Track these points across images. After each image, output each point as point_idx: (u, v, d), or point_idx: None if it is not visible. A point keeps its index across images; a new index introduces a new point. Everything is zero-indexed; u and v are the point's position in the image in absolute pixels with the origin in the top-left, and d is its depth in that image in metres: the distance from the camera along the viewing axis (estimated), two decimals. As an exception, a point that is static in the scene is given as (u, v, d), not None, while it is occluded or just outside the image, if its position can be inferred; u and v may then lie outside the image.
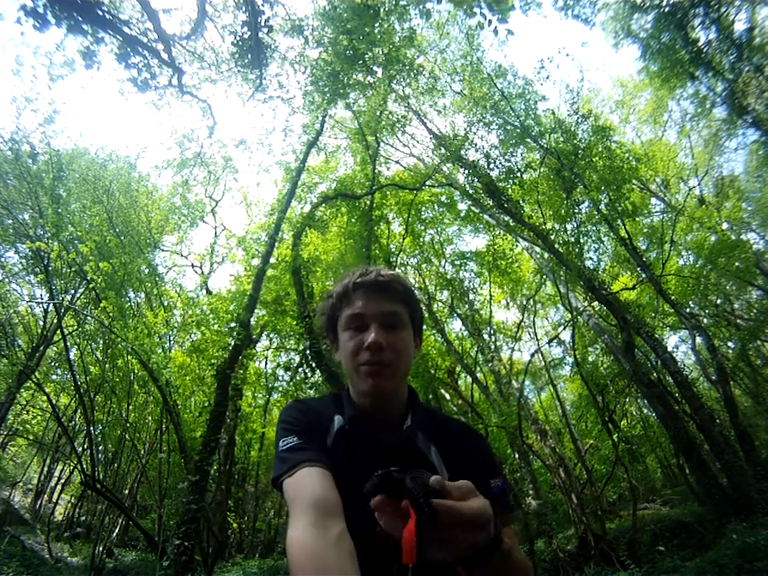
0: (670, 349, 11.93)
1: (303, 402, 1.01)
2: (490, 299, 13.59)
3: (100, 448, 12.07)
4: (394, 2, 6.76)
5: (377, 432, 0.93)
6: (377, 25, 6.90)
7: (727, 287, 14.12)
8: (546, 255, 11.59)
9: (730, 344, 15.39)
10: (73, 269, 9.50)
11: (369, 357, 0.87)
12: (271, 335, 13.28)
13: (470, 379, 13.87)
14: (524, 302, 15.67)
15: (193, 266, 15.41)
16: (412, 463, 0.89)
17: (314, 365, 8.92)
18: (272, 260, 10.13)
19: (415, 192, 11.43)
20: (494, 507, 0.89)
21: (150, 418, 11.30)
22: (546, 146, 10.41)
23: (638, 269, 11.58)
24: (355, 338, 0.90)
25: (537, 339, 16.08)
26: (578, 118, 10.72)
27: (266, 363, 14.45)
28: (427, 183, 11.81)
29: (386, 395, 0.91)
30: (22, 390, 12.63)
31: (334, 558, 0.63)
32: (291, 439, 0.86)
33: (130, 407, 11.16)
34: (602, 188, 10.11)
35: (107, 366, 11.38)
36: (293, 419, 0.93)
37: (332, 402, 0.99)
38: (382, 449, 0.90)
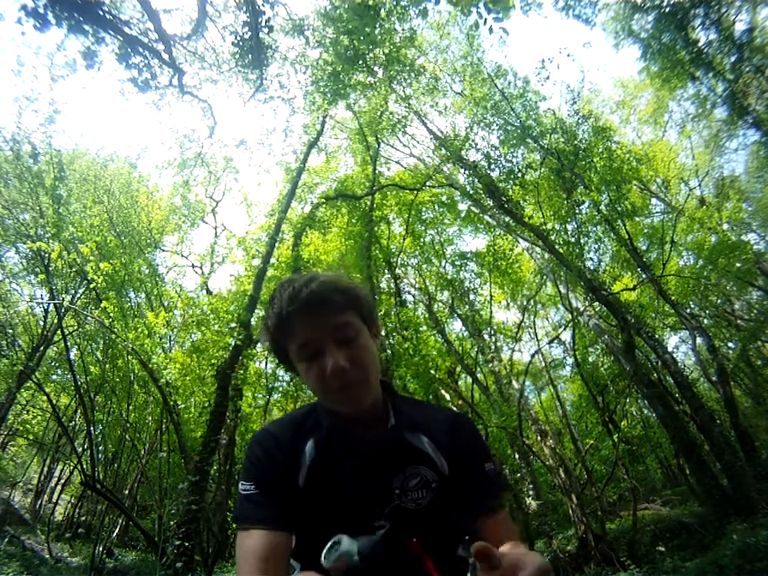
0: (670, 349, 11.95)
1: (272, 434, 0.93)
2: (491, 300, 13.58)
3: (100, 448, 12.07)
4: (394, 2, 6.77)
5: (360, 433, 0.90)
6: (377, 25, 6.91)
7: (728, 288, 14.11)
8: (546, 256, 11.59)
9: (730, 344, 15.39)
10: (73, 269, 9.51)
11: (337, 383, 0.82)
12: (271, 335, 13.26)
13: (470, 380, 13.86)
14: (524, 303, 15.66)
15: (193, 266, 15.40)
16: (404, 458, 0.90)
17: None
18: (272, 260, 10.14)
19: (415, 192, 11.43)
20: (488, 488, 0.91)
21: (150, 418, 11.29)
22: (546, 146, 10.41)
23: (639, 269, 11.57)
24: (313, 367, 0.83)
25: (537, 340, 16.09)
26: (578, 119, 10.73)
27: (266, 363, 14.43)
28: (427, 183, 11.82)
29: (367, 406, 0.88)
30: (22, 390, 12.63)
31: None
32: (249, 486, 0.85)
33: (130, 407, 11.17)
34: (603, 188, 10.11)
35: (107, 366, 11.39)
36: (256, 461, 0.89)
37: (308, 418, 0.95)
38: (371, 451, 0.89)
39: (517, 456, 11.78)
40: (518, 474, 11.76)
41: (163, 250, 15.40)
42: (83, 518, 15.55)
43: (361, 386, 0.84)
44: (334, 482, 0.87)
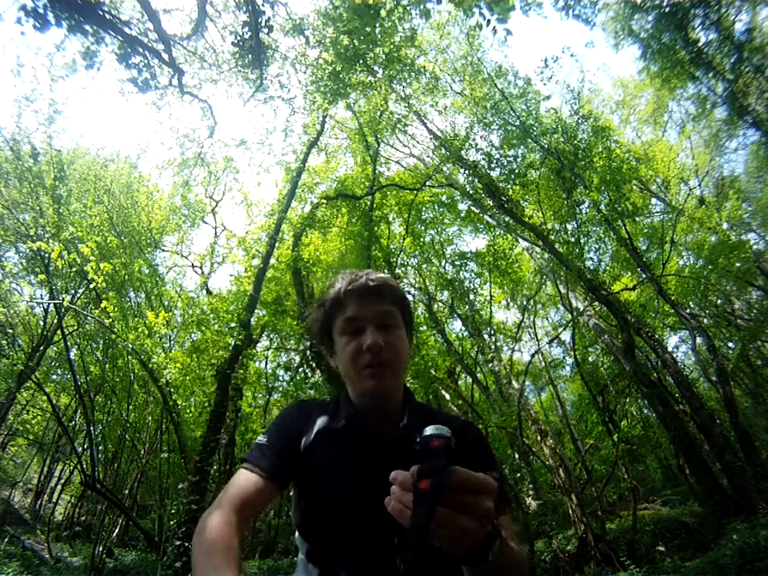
0: (670, 349, 11.96)
1: (298, 407, 1.06)
2: (491, 299, 13.58)
3: (100, 448, 12.07)
4: (395, 2, 6.76)
5: (373, 429, 0.95)
6: (377, 25, 6.90)
7: (727, 287, 14.10)
8: (546, 255, 11.59)
9: (730, 344, 15.38)
10: (73, 269, 9.51)
11: (370, 359, 0.89)
12: (271, 335, 13.27)
13: (470, 379, 13.86)
14: (524, 303, 15.67)
15: (193, 266, 15.40)
16: (409, 459, 0.91)
17: (314, 365, 8.94)
18: (272, 260, 10.13)
19: (415, 192, 11.43)
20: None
21: (149, 417, 11.31)
22: (546, 146, 10.41)
23: (639, 269, 11.57)
24: (353, 341, 0.92)
25: (537, 339, 16.13)
26: (578, 119, 10.73)
27: (266, 363, 14.45)
28: (427, 183, 11.81)
29: (389, 394, 0.94)
30: (22, 390, 12.64)
31: (222, 547, 0.74)
32: (263, 439, 0.97)
33: (130, 407, 11.18)
34: (603, 188, 10.11)
35: (107, 366, 11.39)
36: (276, 423, 1.02)
37: (330, 405, 1.04)
38: (379, 448, 0.92)
39: (517, 456, 11.78)
40: (518, 474, 11.76)
41: (163, 250, 15.40)
42: (83, 518, 15.56)
43: (389, 369, 0.91)
44: (336, 464, 0.93)
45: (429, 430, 0.57)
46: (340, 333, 0.96)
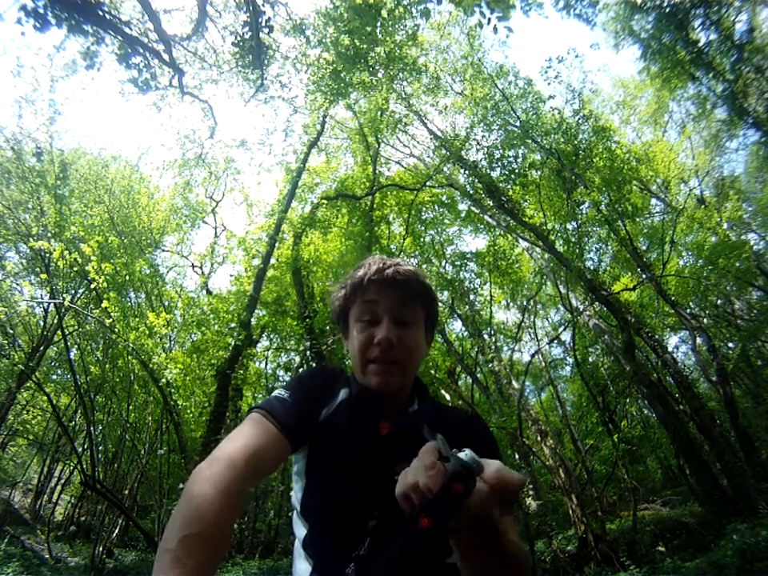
0: (670, 349, 11.96)
1: (324, 372, 1.01)
2: (491, 300, 13.57)
3: (100, 448, 12.07)
4: (395, 2, 6.76)
5: (381, 412, 0.91)
6: (378, 24, 6.90)
7: (727, 287, 14.09)
8: (546, 256, 11.59)
9: (730, 344, 15.36)
10: (75, 269, 9.51)
11: (378, 353, 0.86)
12: (271, 336, 13.28)
13: (470, 380, 13.85)
14: (524, 303, 15.67)
15: (193, 266, 15.41)
16: (414, 448, 0.89)
17: (314, 365, 8.93)
18: (272, 260, 10.13)
19: (415, 192, 11.43)
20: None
21: (149, 418, 11.29)
22: (547, 146, 10.41)
23: (639, 269, 11.57)
24: (365, 331, 0.88)
25: (537, 340, 16.12)
26: (578, 119, 10.73)
27: (266, 364, 14.46)
28: (427, 184, 11.81)
29: (391, 392, 0.90)
30: (22, 390, 12.63)
31: (214, 504, 0.63)
32: (284, 393, 0.88)
33: (130, 407, 11.17)
34: (603, 189, 10.11)
35: (107, 366, 11.38)
36: (300, 381, 0.94)
37: (350, 379, 0.99)
38: (385, 433, 0.88)
39: (517, 456, 11.78)
40: (518, 474, 11.73)
41: (164, 250, 15.41)
42: (83, 518, 15.55)
43: (397, 367, 0.87)
44: (346, 439, 0.87)
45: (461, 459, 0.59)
46: (356, 319, 0.91)
